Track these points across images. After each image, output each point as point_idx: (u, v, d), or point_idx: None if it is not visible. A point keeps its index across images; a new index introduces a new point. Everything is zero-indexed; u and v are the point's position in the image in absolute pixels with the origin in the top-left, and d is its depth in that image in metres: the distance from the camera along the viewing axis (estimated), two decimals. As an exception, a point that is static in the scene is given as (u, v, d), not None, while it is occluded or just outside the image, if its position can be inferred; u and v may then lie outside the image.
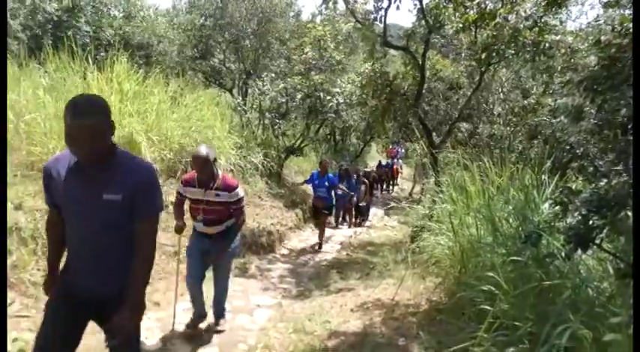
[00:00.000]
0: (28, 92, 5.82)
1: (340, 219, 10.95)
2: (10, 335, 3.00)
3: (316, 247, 7.89)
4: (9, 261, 3.73)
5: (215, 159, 3.52)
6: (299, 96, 10.70)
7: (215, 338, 3.83)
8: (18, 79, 6.17)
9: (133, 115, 6.19)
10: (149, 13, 13.54)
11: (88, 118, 1.77)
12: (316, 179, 7.86)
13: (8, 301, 3.53)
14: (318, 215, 7.97)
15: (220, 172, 3.64)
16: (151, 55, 12.13)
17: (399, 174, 20.88)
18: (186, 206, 3.84)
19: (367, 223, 11.56)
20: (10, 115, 5.24)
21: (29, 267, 3.81)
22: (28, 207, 4.33)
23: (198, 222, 3.71)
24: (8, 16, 9.67)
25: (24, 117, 5.36)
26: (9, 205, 4.16)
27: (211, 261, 3.75)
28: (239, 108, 11.14)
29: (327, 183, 7.75)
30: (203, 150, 3.47)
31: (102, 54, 9.26)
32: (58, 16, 10.58)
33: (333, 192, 8.83)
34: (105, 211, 1.95)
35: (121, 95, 6.41)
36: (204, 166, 3.43)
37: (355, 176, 11.50)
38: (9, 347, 2.92)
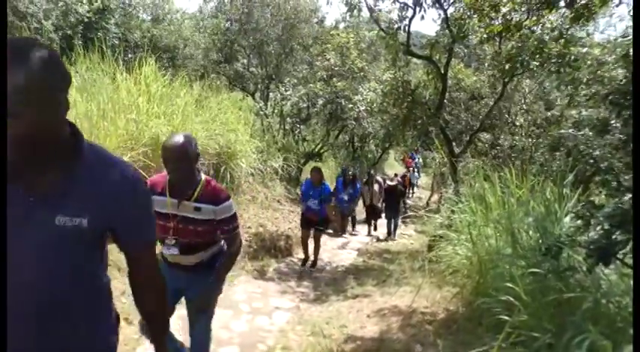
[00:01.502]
0: (59, 92, 5.99)
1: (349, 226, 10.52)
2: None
3: (309, 265, 6.82)
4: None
5: (197, 155, 2.42)
6: (320, 102, 10.79)
7: (235, 338, 3.91)
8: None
9: (160, 117, 6.33)
10: (176, 17, 13.81)
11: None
12: (310, 189, 6.74)
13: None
14: (308, 228, 6.69)
15: (203, 176, 2.52)
16: (176, 57, 12.38)
17: (413, 187, 19.78)
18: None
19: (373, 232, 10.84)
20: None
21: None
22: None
23: (167, 247, 2.55)
24: (42, 16, 10.01)
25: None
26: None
27: (191, 306, 2.68)
28: (261, 112, 11.27)
29: (319, 195, 6.64)
30: (178, 138, 2.34)
31: (129, 55, 9.50)
32: (88, 18, 10.88)
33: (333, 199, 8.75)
34: (59, 246, 1.15)
35: (148, 96, 6.56)
36: (180, 163, 2.31)
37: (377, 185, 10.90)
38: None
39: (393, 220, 10.34)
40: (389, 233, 10.27)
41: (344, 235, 9.94)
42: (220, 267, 2.60)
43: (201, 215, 2.45)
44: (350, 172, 10.30)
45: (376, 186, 10.77)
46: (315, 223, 6.62)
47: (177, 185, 2.44)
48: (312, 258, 6.84)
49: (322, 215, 6.68)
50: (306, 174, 11.95)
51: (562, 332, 2.36)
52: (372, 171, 11.90)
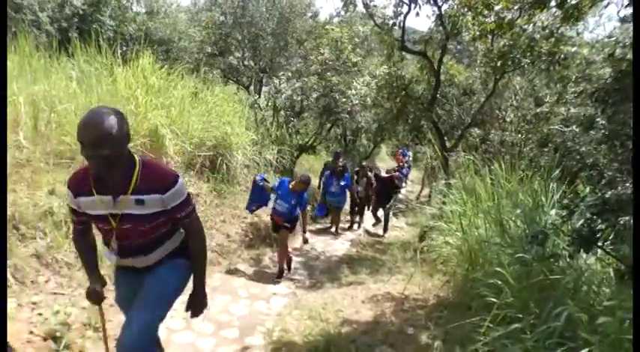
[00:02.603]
0: (59, 83, 6.07)
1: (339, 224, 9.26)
2: (52, 308, 3.28)
3: (276, 278, 5.70)
4: (44, 243, 3.98)
5: (127, 136, 1.86)
6: (314, 95, 10.91)
7: (235, 320, 4.07)
8: (48, 70, 6.44)
9: (158, 109, 6.43)
10: (171, 10, 13.84)
11: None
12: (282, 190, 5.92)
13: (44, 279, 3.80)
14: (278, 231, 6.01)
15: (137, 158, 1.96)
16: (171, 50, 12.45)
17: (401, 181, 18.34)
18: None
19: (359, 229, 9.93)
20: (42, 105, 5.51)
21: (63, 249, 4.05)
22: (60, 193, 4.58)
23: (113, 252, 2.10)
24: (37, 8, 10.02)
25: (56, 108, 5.60)
26: (44, 190, 4.43)
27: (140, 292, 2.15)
28: (255, 105, 11.37)
29: (293, 202, 5.79)
30: (98, 114, 1.74)
31: (125, 48, 9.56)
32: (83, 10, 10.91)
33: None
34: None
35: (146, 88, 6.65)
36: (100, 149, 1.72)
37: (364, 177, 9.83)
38: (52, 319, 3.17)
39: (383, 212, 9.84)
40: (377, 220, 9.86)
41: (334, 231, 9.04)
42: (195, 273, 2.23)
43: (145, 209, 1.93)
44: (341, 162, 9.17)
45: (365, 180, 9.77)
46: (282, 223, 5.89)
47: (106, 179, 1.89)
48: (282, 261, 5.90)
49: (291, 218, 5.91)
50: (300, 167, 12.08)
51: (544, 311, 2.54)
52: (364, 163, 11.08)
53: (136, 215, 1.94)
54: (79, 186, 1.96)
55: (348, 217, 10.14)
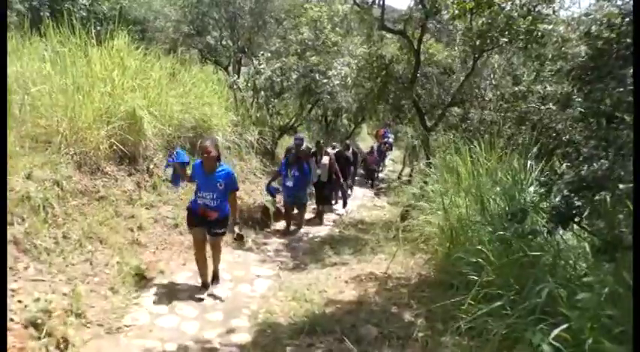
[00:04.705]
0: (32, 65, 5.87)
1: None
2: (32, 295, 3.23)
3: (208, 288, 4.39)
4: (22, 229, 3.91)
5: None
6: (294, 76, 10.80)
7: (220, 304, 4.09)
8: (20, 51, 6.23)
9: (135, 90, 6.29)
10: (146, -12, 13.41)
11: None
12: (199, 175, 4.38)
13: (23, 265, 3.73)
14: (202, 228, 4.35)
15: None
16: (147, 30, 12.12)
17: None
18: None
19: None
20: (15, 87, 5.34)
21: (42, 234, 3.98)
22: (37, 177, 4.48)
23: None
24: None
25: (30, 90, 5.43)
26: (20, 174, 4.33)
27: None
28: (234, 86, 11.21)
29: (219, 184, 4.23)
30: None
31: (99, 28, 9.26)
32: (54, -12, 10.48)
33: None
34: None
35: (122, 69, 6.48)
36: None
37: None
38: (32, 306, 3.13)
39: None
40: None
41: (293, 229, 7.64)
42: None
43: None
44: (302, 147, 7.50)
45: (325, 159, 8.50)
46: (211, 223, 4.32)
47: None
48: (209, 269, 4.51)
49: (223, 213, 4.36)
50: (281, 149, 12.00)
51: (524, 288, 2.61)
52: (321, 142, 9.38)
53: None
54: None
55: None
